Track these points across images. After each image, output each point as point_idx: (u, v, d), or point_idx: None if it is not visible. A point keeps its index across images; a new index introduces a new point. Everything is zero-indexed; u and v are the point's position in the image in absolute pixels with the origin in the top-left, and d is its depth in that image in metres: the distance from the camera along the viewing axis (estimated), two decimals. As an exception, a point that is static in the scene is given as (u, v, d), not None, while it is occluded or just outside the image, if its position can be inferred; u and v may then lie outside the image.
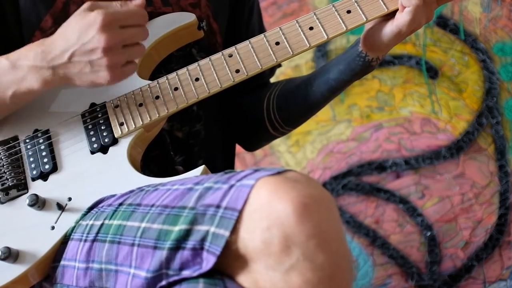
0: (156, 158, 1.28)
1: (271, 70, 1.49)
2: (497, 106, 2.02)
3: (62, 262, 1.10)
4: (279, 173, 0.90)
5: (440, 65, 2.07)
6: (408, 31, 1.14)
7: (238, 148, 1.75)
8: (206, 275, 0.90)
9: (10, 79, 1.11)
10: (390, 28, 1.14)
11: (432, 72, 2.07)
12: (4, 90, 1.12)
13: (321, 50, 2.14)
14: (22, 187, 1.17)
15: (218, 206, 0.90)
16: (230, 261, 0.90)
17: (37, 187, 1.17)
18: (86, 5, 1.08)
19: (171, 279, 0.93)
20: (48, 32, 1.22)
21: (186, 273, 0.92)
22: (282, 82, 1.42)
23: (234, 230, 0.88)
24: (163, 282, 0.94)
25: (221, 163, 1.43)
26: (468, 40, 2.04)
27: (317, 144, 2.13)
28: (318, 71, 1.35)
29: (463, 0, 2.03)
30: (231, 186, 0.91)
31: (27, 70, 1.10)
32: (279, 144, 2.16)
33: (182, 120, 1.31)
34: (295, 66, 2.16)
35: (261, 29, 1.48)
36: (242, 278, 0.90)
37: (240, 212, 0.88)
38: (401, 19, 1.12)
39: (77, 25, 1.07)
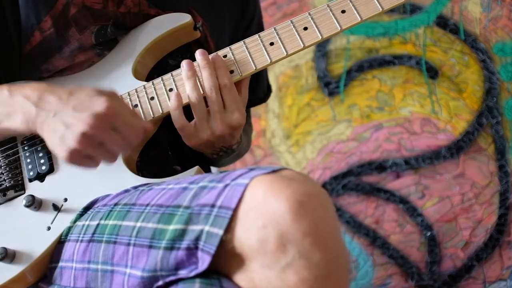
0: (153, 158, 1.28)
1: (267, 93, 1.52)
2: (497, 106, 2.01)
3: (60, 264, 1.10)
4: (274, 171, 0.90)
5: (440, 65, 2.06)
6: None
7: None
8: (202, 275, 0.90)
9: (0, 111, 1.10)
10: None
11: (432, 72, 2.06)
12: None
13: (321, 50, 2.14)
14: (19, 188, 1.18)
15: (213, 206, 0.90)
16: (226, 260, 0.89)
17: (34, 188, 1.17)
18: (113, 93, 1.06)
19: (168, 279, 0.93)
20: (47, 32, 1.22)
21: (182, 273, 0.91)
22: None
23: (230, 228, 0.87)
24: (160, 282, 0.94)
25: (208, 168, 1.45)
26: (468, 40, 2.03)
27: (317, 144, 2.13)
28: None
29: (463, 0, 2.03)
30: (226, 185, 0.91)
31: (17, 108, 1.08)
32: (279, 144, 2.16)
33: None
34: (295, 66, 2.16)
35: None
36: (239, 277, 0.90)
37: (235, 210, 0.87)
38: None
39: (85, 96, 1.04)
